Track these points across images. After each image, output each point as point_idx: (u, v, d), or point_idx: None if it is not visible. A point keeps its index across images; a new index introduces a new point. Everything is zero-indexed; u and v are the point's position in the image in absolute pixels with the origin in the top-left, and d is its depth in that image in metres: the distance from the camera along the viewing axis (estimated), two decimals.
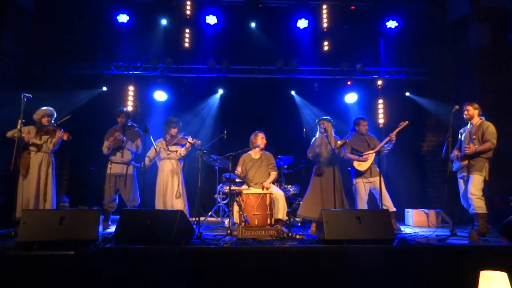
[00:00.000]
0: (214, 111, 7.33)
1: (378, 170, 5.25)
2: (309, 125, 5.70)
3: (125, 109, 5.61)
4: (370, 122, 6.68)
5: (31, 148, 4.87)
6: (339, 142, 5.13)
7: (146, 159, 5.37)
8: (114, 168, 5.32)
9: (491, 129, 4.69)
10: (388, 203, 5.19)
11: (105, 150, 5.35)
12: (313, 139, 5.46)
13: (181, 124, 5.60)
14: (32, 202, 4.71)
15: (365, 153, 5.36)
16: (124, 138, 5.33)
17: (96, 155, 5.55)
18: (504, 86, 6.40)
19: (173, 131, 5.46)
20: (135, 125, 5.64)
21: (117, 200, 5.46)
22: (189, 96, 7.27)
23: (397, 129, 5.28)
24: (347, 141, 5.35)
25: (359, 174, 5.40)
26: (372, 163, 5.34)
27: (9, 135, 4.73)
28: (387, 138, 5.29)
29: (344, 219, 3.71)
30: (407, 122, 5.28)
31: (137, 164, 5.47)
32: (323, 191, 5.08)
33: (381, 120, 7.24)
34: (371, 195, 5.44)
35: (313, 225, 4.93)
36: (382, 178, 5.06)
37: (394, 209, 5.25)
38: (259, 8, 7.16)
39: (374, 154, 5.25)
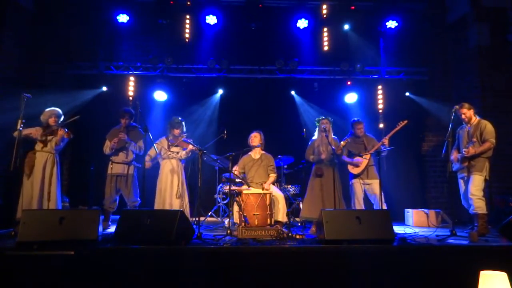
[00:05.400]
0: (214, 111, 7.32)
1: (376, 173, 5.24)
2: (309, 125, 5.70)
3: (129, 109, 5.54)
4: (370, 122, 6.71)
5: (36, 148, 4.85)
6: (342, 143, 5.12)
7: (147, 158, 5.37)
8: (115, 168, 5.28)
9: (489, 128, 4.66)
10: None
11: (107, 150, 5.32)
12: (311, 140, 5.45)
13: (184, 125, 5.55)
14: (35, 202, 4.67)
15: (355, 157, 5.31)
16: (128, 139, 5.32)
17: (96, 155, 5.54)
18: (504, 86, 6.39)
19: (176, 131, 5.42)
20: (138, 126, 5.63)
21: (117, 201, 5.45)
22: (189, 96, 7.26)
23: (392, 132, 5.23)
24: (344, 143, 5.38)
25: (356, 175, 5.37)
26: (369, 165, 5.26)
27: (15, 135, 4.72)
28: (379, 143, 5.24)
29: (344, 219, 3.71)
30: (406, 121, 5.20)
31: (138, 164, 5.46)
32: (324, 192, 5.07)
33: (381, 120, 7.23)
34: (365, 198, 5.39)
35: (314, 225, 4.92)
36: (380, 183, 4.98)
37: None
38: (259, 8, 7.14)
39: (369, 156, 5.22)
